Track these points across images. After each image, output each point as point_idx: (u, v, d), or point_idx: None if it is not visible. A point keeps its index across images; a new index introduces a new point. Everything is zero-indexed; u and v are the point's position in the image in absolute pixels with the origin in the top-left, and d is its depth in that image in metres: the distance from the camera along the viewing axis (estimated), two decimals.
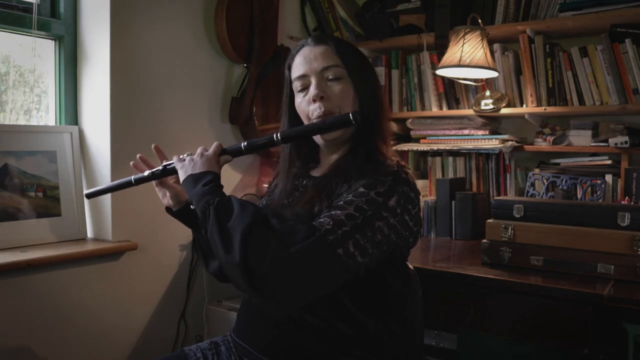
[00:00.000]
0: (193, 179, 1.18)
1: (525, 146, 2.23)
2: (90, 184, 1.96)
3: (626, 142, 1.96)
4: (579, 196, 2.04)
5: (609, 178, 2.04)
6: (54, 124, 1.96)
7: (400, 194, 1.13)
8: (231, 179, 2.31)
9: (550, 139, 2.16)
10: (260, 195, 2.29)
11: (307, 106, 1.23)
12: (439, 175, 2.46)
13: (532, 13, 2.17)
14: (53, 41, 1.94)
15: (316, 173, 1.29)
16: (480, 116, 2.28)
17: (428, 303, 1.48)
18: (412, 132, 2.47)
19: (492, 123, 2.34)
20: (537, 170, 2.19)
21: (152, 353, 2.02)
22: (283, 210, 1.22)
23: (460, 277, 1.64)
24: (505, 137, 2.24)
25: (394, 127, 2.45)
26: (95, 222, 1.97)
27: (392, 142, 1.33)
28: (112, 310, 1.93)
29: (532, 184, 2.14)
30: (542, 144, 2.19)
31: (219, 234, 1.06)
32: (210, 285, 2.21)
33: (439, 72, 2.19)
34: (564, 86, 2.11)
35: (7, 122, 1.88)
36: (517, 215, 1.71)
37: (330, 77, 1.22)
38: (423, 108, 2.45)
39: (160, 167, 1.31)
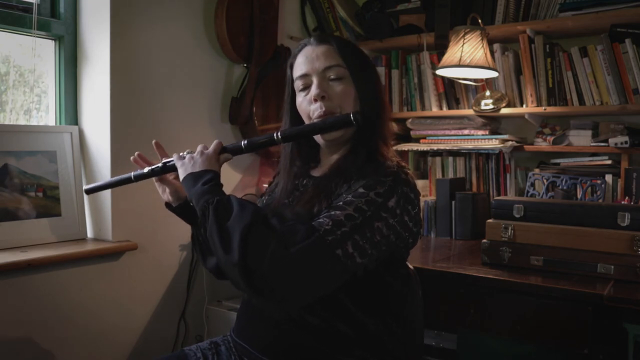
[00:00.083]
0: (193, 177, 1.18)
1: (525, 146, 2.23)
2: (91, 183, 1.96)
3: (626, 142, 1.96)
4: (579, 196, 2.04)
5: (609, 178, 2.04)
6: (54, 124, 1.96)
7: (400, 194, 1.13)
8: (231, 179, 2.31)
9: (550, 139, 2.16)
10: (260, 195, 2.29)
11: (308, 105, 1.23)
12: (439, 175, 2.46)
13: (532, 13, 2.17)
14: (53, 41, 1.94)
15: (316, 173, 1.29)
16: (480, 116, 2.28)
17: (428, 303, 1.48)
18: (412, 132, 2.47)
19: (492, 123, 2.34)
20: (537, 170, 2.19)
21: (152, 353, 2.02)
22: (283, 210, 1.22)
23: (460, 277, 1.64)
24: (505, 137, 2.24)
25: (394, 127, 2.45)
26: (95, 222, 1.97)
27: (392, 143, 1.33)
28: (112, 310, 1.93)
29: (532, 184, 2.14)
30: (542, 144, 2.19)
31: (218, 234, 1.06)
32: (210, 285, 2.21)
33: (439, 72, 2.19)
34: (564, 86, 2.11)
35: (7, 122, 1.88)
36: (517, 215, 1.71)
37: (331, 77, 1.22)
38: (423, 108, 2.45)
39: (160, 164, 1.31)
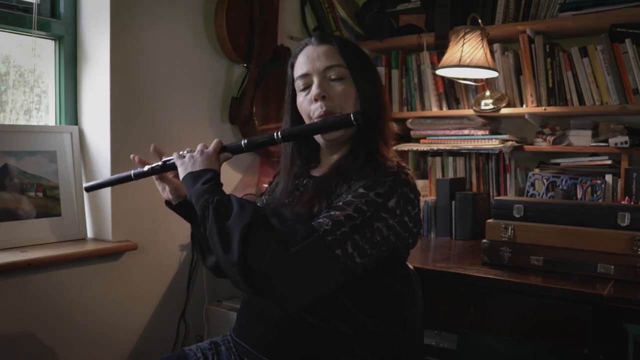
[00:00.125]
0: (193, 176, 1.18)
1: (525, 146, 2.23)
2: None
3: (626, 142, 1.96)
4: (579, 196, 2.04)
5: (609, 178, 2.04)
6: (54, 124, 1.96)
7: (400, 195, 1.13)
8: (231, 179, 2.31)
9: (550, 139, 2.16)
10: (260, 194, 2.29)
11: (308, 105, 1.23)
12: (439, 175, 2.46)
13: (532, 13, 2.17)
14: (53, 41, 1.94)
15: (317, 173, 1.29)
16: (480, 116, 2.28)
17: (428, 303, 1.48)
18: (412, 132, 2.47)
19: (492, 123, 2.34)
20: (537, 170, 2.19)
21: (152, 353, 2.02)
22: (283, 210, 1.22)
23: (460, 277, 1.64)
24: (505, 137, 2.24)
25: (394, 127, 2.45)
26: (95, 222, 1.97)
27: (393, 143, 1.32)
28: (112, 310, 1.93)
29: (532, 184, 2.14)
30: (542, 144, 2.19)
31: (218, 233, 1.05)
32: (210, 285, 2.21)
33: (439, 72, 2.19)
34: (564, 86, 2.11)
35: (7, 122, 1.88)
36: (517, 215, 1.71)
37: (332, 77, 1.22)
38: (423, 108, 2.45)
39: (160, 163, 1.31)
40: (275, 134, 1.21)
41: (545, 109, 2.13)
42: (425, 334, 1.59)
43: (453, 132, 2.34)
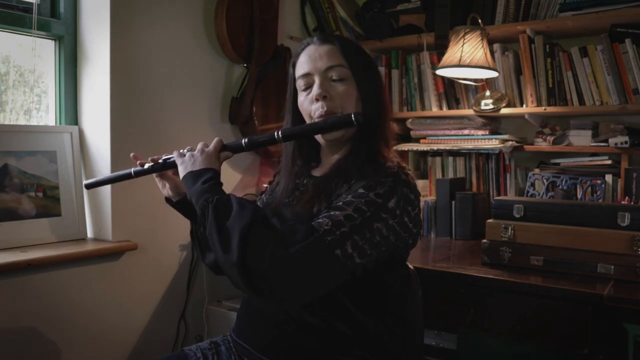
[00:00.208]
0: (193, 176, 1.18)
1: (525, 146, 2.23)
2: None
3: (626, 142, 1.96)
4: (579, 196, 2.04)
5: (609, 178, 2.04)
6: (54, 124, 1.96)
7: (400, 195, 1.13)
8: (231, 179, 2.31)
9: (550, 139, 2.16)
10: (260, 193, 2.29)
11: (309, 105, 1.23)
12: (439, 175, 2.46)
13: (532, 13, 2.17)
14: (53, 41, 1.94)
15: (317, 172, 1.29)
16: (480, 116, 2.28)
17: (428, 303, 1.48)
18: (412, 132, 2.47)
19: (492, 123, 2.34)
20: (537, 170, 2.19)
21: (152, 353, 2.02)
22: (284, 209, 1.22)
23: (460, 277, 1.64)
24: (505, 137, 2.24)
25: (394, 127, 2.45)
26: (95, 222, 1.97)
27: (393, 143, 1.32)
28: (112, 310, 1.93)
29: (532, 184, 2.14)
30: (542, 144, 2.19)
31: (218, 233, 1.05)
32: (210, 285, 2.21)
33: (439, 72, 2.19)
34: (564, 86, 2.11)
35: (7, 122, 1.88)
36: (517, 215, 1.71)
37: (334, 77, 1.22)
38: (423, 108, 2.45)
39: (160, 161, 1.31)
40: (275, 134, 1.21)
41: (545, 109, 2.13)
42: (425, 334, 1.58)
43: (453, 132, 2.34)
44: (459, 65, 2.05)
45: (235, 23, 2.20)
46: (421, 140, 2.43)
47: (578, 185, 2.05)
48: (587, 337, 1.44)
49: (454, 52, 2.09)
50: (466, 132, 2.31)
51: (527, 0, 2.18)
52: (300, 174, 1.30)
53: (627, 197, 1.95)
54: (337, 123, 1.19)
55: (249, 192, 2.35)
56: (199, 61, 2.19)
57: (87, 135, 1.98)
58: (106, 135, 1.92)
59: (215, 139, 1.24)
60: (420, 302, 1.42)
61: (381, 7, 2.50)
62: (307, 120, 1.25)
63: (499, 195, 2.32)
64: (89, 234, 1.98)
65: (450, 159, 2.44)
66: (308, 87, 1.24)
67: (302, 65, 1.24)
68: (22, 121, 1.92)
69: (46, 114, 1.98)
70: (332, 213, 1.08)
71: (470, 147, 2.29)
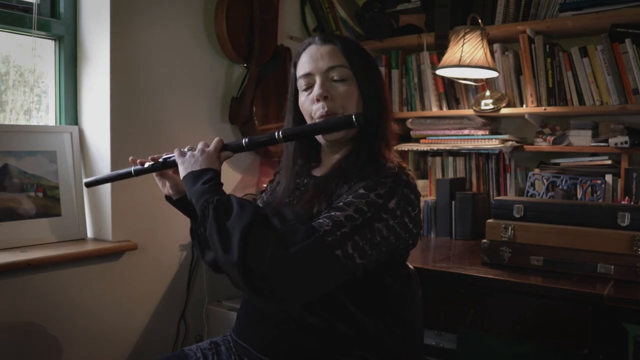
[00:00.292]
0: (193, 176, 1.18)
1: (525, 146, 2.23)
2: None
3: (626, 142, 1.96)
4: (579, 196, 2.04)
5: (609, 178, 2.04)
6: (54, 124, 1.96)
7: (401, 196, 1.13)
8: (231, 179, 2.31)
9: (550, 139, 2.16)
10: (260, 192, 2.29)
11: (310, 105, 1.23)
12: (439, 175, 2.46)
13: (532, 13, 2.17)
14: (53, 41, 1.94)
15: (318, 172, 1.29)
16: (480, 116, 2.28)
17: (428, 303, 1.48)
18: (412, 132, 2.47)
19: (492, 123, 2.34)
20: (537, 170, 2.19)
21: (152, 353, 2.02)
22: (284, 209, 1.22)
23: (460, 277, 1.64)
24: (505, 137, 2.24)
25: (395, 127, 2.45)
26: (95, 222, 1.97)
27: (394, 143, 1.32)
28: (112, 310, 1.93)
29: (532, 184, 2.14)
30: (542, 144, 2.19)
31: (218, 233, 1.05)
32: (210, 285, 2.21)
33: (439, 72, 2.19)
34: (564, 86, 2.11)
35: (7, 122, 1.88)
36: (517, 215, 1.71)
37: (335, 77, 1.22)
38: (423, 108, 2.45)
39: (160, 160, 1.31)
40: (276, 134, 1.21)
41: (545, 109, 2.13)
42: (425, 334, 1.59)
43: (453, 132, 2.34)
44: (459, 65, 2.05)
45: (235, 23, 2.19)
46: (421, 140, 2.43)
47: (578, 185, 2.05)
48: (587, 337, 1.44)
49: (454, 52, 2.09)
50: (466, 132, 2.31)
51: (527, 0, 2.18)
52: (300, 173, 1.30)
53: (627, 197, 1.95)
54: (338, 124, 1.19)
55: (249, 192, 2.35)
56: (199, 61, 2.19)
57: (87, 135, 1.98)
58: (106, 135, 1.92)
59: (216, 139, 1.24)
60: (420, 302, 1.42)
61: (381, 7, 2.50)
62: (308, 120, 1.25)
63: (499, 195, 2.32)
64: (89, 234, 1.98)
65: (450, 159, 2.44)
66: (309, 87, 1.24)
67: (304, 65, 1.24)
68: (22, 121, 1.92)
69: (46, 114, 1.98)
70: (333, 213, 1.08)
71: (470, 147, 2.29)
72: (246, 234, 1.02)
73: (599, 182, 2.03)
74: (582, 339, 1.45)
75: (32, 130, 1.88)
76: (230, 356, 1.25)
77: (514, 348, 1.65)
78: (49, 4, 1.91)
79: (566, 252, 1.61)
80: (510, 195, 2.28)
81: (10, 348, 1.67)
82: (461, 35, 2.08)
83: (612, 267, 1.54)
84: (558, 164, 2.19)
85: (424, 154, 2.54)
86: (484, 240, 1.75)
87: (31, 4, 1.84)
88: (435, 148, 2.38)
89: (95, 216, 1.97)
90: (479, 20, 2.13)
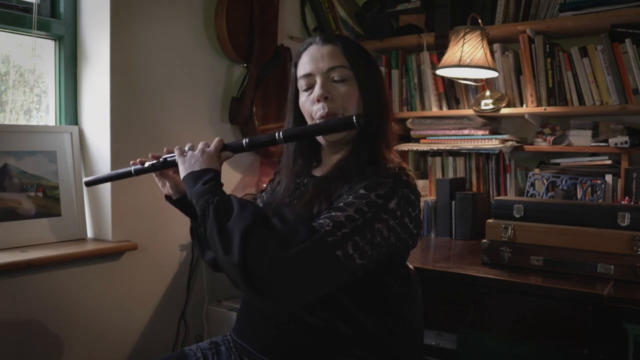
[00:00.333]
0: (193, 176, 1.18)
1: (525, 146, 2.23)
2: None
3: (626, 142, 1.96)
4: (579, 196, 2.04)
5: (609, 178, 2.04)
6: (54, 124, 1.96)
7: (401, 196, 1.13)
8: (231, 179, 2.31)
9: (550, 139, 2.16)
10: (260, 191, 2.30)
11: (310, 106, 1.23)
12: (439, 175, 2.46)
13: (532, 13, 2.17)
14: (53, 41, 1.94)
15: (318, 172, 1.29)
16: (480, 116, 2.28)
17: (428, 303, 1.48)
18: (412, 132, 2.47)
19: (492, 123, 2.34)
20: (537, 170, 2.19)
21: (152, 353, 2.02)
22: (285, 209, 1.22)
23: (460, 277, 1.64)
24: (505, 137, 2.24)
25: (395, 128, 2.45)
26: (95, 222, 1.97)
27: (395, 144, 1.32)
28: (112, 310, 1.93)
29: (532, 184, 2.14)
30: (542, 144, 2.19)
31: (218, 234, 1.05)
32: (210, 285, 2.21)
33: (439, 72, 2.19)
34: (564, 86, 2.11)
35: (7, 122, 1.88)
36: (517, 215, 1.71)
37: (335, 78, 1.22)
38: (423, 108, 2.45)
39: (161, 160, 1.31)
40: (276, 134, 1.21)
41: (545, 109, 2.13)
42: (425, 334, 1.59)
43: (453, 132, 2.34)
44: (459, 65, 2.05)
45: (235, 23, 2.19)
46: (421, 140, 2.43)
47: (578, 185, 2.05)
48: (587, 337, 1.45)
49: (454, 52, 2.09)
50: (466, 132, 2.31)
51: (527, 0, 2.18)
52: (301, 173, 1.30)
53: (627, 197, 1.95)
54: (338, 125, 1.18)
55: (249, 192, 2.35)
56: (199, 61, 2.19)
57: (87, 135, 1.98)
58: (106, 135, 1.92)
59: (216, 139, 1.24)
60: (420, 302, 1.42)
61: (381, 7, 2.50)
62: (309, 121, 1.25)
63: (499, 195, 2.32)
64: (89, 234, 1.98)
65: (450, 159, 2.44)
66: (310, 87, 1.23)
67: (304, 65, 1.24)
68: (22, 121, 1.92)
69: (46, 114, 1.98)
70: (333, 214, 1.08)
71: (470, 147, 2.29)
72: (247, 235, 1.02)
73: (599, 182, 2.03)
74: (582, 339, 1.45)
75: (32, 130, 1.88)
76: (230, 356, 1.25)
77: (514, 348, 1.65)
78: (49, 4, 1.91)
79: (566, 252, 1.61)
80: (510, 195, 2.29)
81: (11, 348, 1.67)
82: (461, 35, 2.08)
83: (612, 267, 1.54)
84: (558, 164, 2.19)
85: (424, 154, 2.54)
86: (484, 240, 1.75)
87: (31, 4, 1.84)
88: (435, 148, 2.38)
89: (95, 216, 1.97)
90: (479, 20, 2.13)
